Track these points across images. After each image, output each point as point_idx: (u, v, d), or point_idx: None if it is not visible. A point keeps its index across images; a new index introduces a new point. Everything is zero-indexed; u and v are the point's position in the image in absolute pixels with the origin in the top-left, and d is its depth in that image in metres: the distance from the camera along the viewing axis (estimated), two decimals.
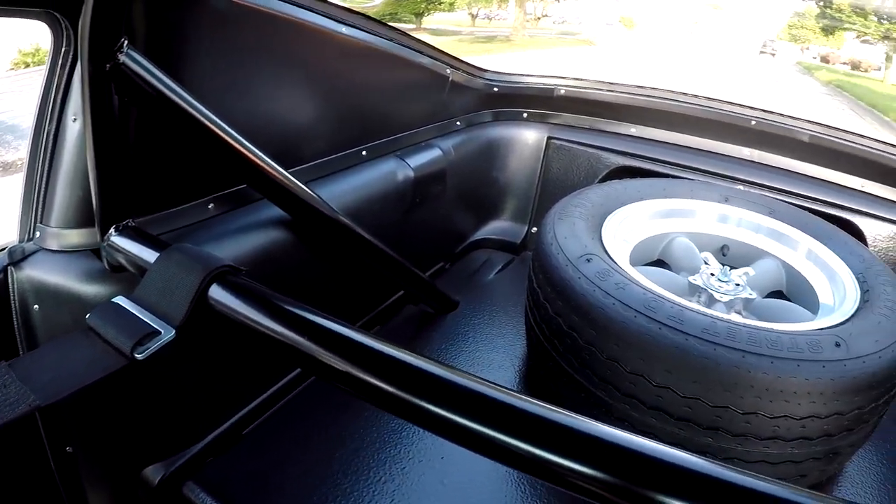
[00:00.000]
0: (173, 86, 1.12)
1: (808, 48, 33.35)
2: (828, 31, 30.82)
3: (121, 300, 0.99)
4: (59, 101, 1.16)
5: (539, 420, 0.72)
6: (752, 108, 2.36)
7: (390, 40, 1.87)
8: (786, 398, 1.23)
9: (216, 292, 0.94)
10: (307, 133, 1.63)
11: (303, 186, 1.41)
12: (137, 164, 1.20)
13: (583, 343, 1.36)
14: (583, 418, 0.71)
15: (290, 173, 1.37)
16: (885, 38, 25.16)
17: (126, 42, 1.05)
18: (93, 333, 0.94)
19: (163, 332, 0.91)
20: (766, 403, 1.23)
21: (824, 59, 31.64)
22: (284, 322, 0.89)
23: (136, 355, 0.88)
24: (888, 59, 24.61)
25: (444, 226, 2.29)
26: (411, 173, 1.92)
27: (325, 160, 1.68)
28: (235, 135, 1.23)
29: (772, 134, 2.31)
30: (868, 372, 1.27)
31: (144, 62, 1.08)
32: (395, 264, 1.74)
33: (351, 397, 1.47)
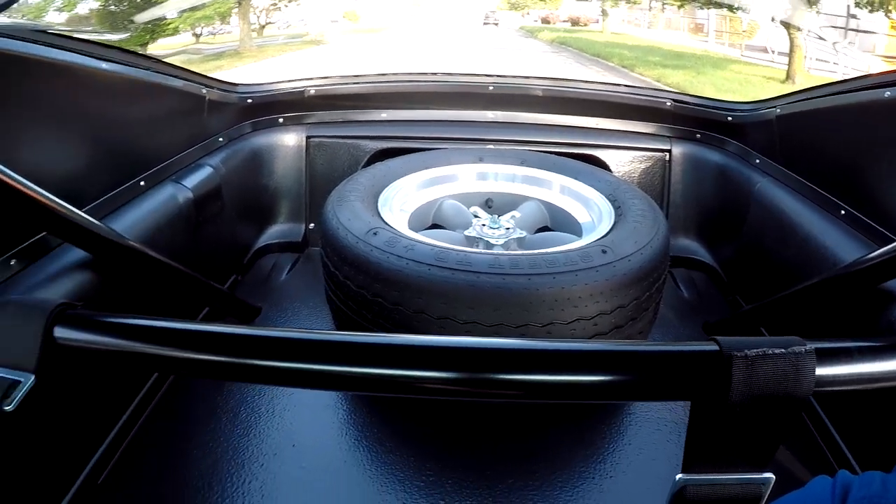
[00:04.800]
0: None
1: (528, 13, 35.39)
2: None
3: None
4: None
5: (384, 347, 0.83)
6: (487, 75, 2.61)
7: (148, 69, 1.92)
8: (573, 304, 1.43)
9: (61, 330, 0.94)
10: (88, 172, 1.65)
11: (99, 223, 1.43)
12: None
13: (390, 306, 1.49)
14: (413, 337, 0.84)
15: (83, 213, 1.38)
16: None
17: None
18: None
19: (22, 380, 0.91)
20: (558, 313, 1.42)
21: (545, 21, 33.50)
22: (137, 336, 0.94)
23: (5, 408, 0.88)
24: (603, 11, 26.91)
25: (229, 239, 2.36)
26: (190, 194, 1.98)
27: (110, 196, 1.70)
28: (27, 183, 1.22)
29: (509, 95, 2.56)
30: (634, 267, 1.51)
31: None
32: (196, 283, 1.80)
33: (191, 422, 1.54)
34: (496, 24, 34.11)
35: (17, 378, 0.90)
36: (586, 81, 2.66)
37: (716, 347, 0.73)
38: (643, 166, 2.53)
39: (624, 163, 2.52)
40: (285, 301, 2.26)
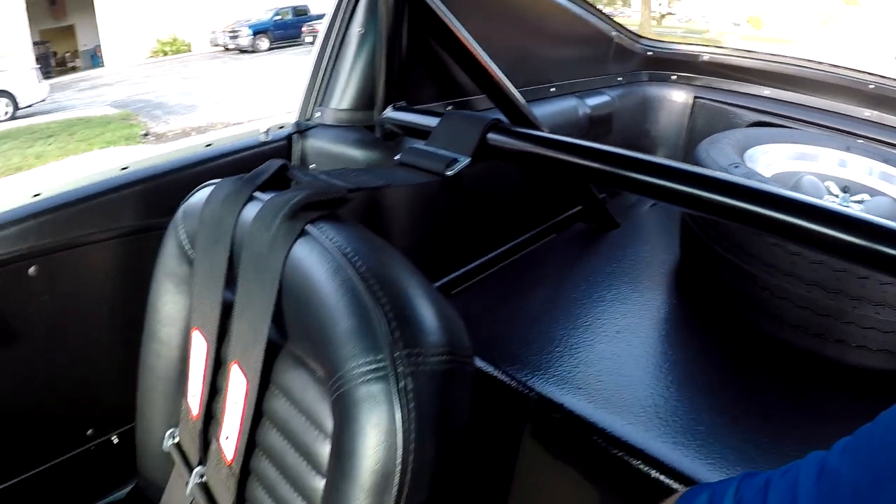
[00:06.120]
0: (447, 12, 1.55)
1: None
2: None
3: (420, 144, 1.34)
4: (346, 19, 1.57)
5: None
6: (870, 73, 2.65)
7: (573, 2, 2.29)
8: None
9: (492, 137, 1.30)
10: (520, 67, 2.01)
11: (524, 102, 1.79)
12: (409, 65, 1.60)
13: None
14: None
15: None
16: None
17: None
18: (405, 165, 1.30)
19: (460, 159, 1.26)
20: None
21: None
22: (543, 144, 1.32)
23: (448, 172, 1.23)
24: None
25: None
26: (588, 110, 2.31)
27: (529, 89, 2.06)
28: (484, 55, 1.64)
29: (889, 97, 2.58)
30: None
31: None
32: (575, 183, 2.15)
33: (546, 281, 1.96)
34: None
35: (458, 157, 1.28)
36: None
37: None
38: None
39: None
40: (640, 226, 2.47)
